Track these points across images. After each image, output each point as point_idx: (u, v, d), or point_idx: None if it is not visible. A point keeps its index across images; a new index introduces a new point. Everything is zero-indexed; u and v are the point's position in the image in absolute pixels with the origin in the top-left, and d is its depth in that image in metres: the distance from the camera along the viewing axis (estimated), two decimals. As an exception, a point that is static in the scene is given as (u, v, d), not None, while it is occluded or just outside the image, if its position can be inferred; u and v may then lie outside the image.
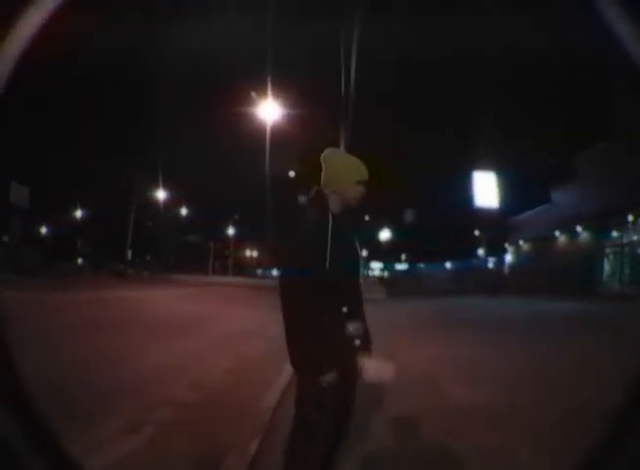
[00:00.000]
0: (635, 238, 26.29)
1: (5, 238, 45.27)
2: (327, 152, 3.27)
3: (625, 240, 27.22)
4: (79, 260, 60.23)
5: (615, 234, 27.98)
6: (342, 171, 3.20)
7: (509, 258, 41.03)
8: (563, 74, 28.42)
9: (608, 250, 28.63)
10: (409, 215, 46.80)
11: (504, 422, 5.24)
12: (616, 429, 1.46)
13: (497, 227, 42.63)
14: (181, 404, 5.58)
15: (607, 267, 28.72)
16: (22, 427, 1.42)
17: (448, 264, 47.33)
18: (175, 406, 5.48)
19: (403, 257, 67.77)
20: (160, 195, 63.74)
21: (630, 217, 25.50)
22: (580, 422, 4.98)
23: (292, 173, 33.09)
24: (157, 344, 9.50)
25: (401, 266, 58.72)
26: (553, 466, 4.11)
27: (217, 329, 12.33)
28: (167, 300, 22.50)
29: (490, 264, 46.07)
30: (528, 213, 37.66)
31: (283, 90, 28.18)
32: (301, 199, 3.19)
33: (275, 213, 34.19)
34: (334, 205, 3.14)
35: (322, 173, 3.23)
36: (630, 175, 23.57)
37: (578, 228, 30.03)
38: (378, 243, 61.59)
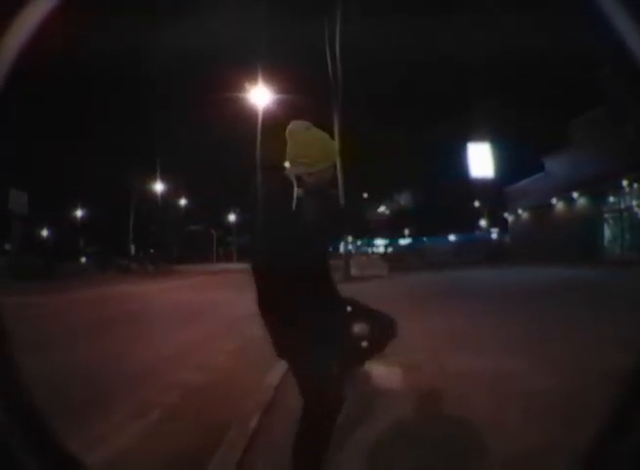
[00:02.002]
0: (634, 203, 26.30)
1: (7, 246, 45.39)
2: (296, 127, 3.04)
3: (623, 205, 27.25)
4: (83, 260, 60.33)
5: (612, 199, 28.00)
6: (318, 153, 2.97)
7: (509, 227, 41.03)
8: (553, 45, 28.38)
9: (607, 215, 28.61)
10: (405, 198, 46.68)
11: (501, 389, 5.32)
12: (615, 420, 1.44)
13: (495, 197, 42.73)
14: (188, 386, 5.85)
15: (607, 233, 28.70)
16: (21, 426, 1.41)
17: (451, 237, 47.33)
18: (183, 388, 5.76)
19: (406, 231, 67.76)
20: (159, 187, 63.92)
21: (625, 182, 25.52)
22: (575, 391, 5.08)
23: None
24: (164, 332, 9.85)
25: (404, 241, 58.66)
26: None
27: (222, 314, 12.57)
28: (171, 291, 22.70)
29: (493, 235, 46.10)
30: (524, 182, 37.63)
31: (276, 76, 28.26)
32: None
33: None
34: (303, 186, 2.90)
35: (289, 150, 3.02)
36: (623, 140, 23.71)
37: (575, 195, 30.00)
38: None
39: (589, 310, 10.24)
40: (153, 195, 64.50)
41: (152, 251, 69.94)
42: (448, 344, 7.85)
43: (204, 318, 12.05)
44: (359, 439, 3.99)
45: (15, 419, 1.37)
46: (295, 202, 2.77)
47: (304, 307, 2.79)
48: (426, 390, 5.36)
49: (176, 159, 64.91)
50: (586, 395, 4.97)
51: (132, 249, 60.63)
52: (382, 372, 4.51)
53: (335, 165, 3.16)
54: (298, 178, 2.87)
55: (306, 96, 27.15)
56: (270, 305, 2.92)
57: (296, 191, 2.80)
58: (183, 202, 78.02)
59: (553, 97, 35.78)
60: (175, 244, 78.32)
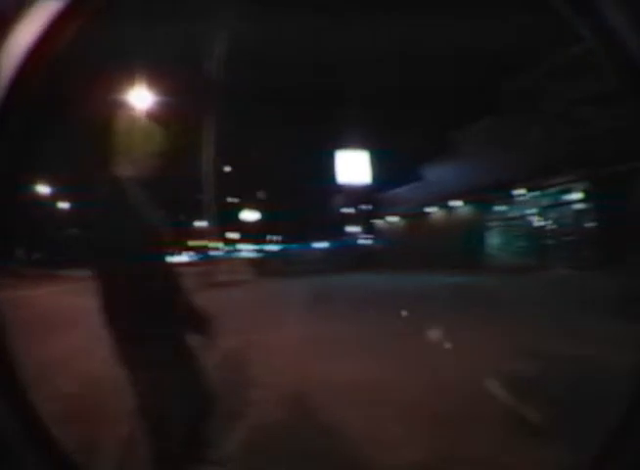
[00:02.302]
0: (526, 212, 26.98)
1: None
2: (121, 119, 2.94)
3: (512, 214, 28.01)
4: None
5: (501, 208, 28.67)
6: (141, 145, 2.89)
7: (383, 234, 41.49)
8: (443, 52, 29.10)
9: (493, 223, 29.31)
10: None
11: (367, 397, 5.44)
12: (616, 430, 1.39)
13: (369, 204, 43.53)
14: (68, 396, 5.72)
15: (493, 241, 29.36)
16: (17, 421, 1.37)
17: (321, 244, 47.77)
18: (62, 399, 5.56)
19: (275, 237, 67.87)
20: (43, 190, 61.67)
21: (516, 191, 26.20)
22: (443, 400, 5.27)
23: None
24: (44, 341, 9.28)
25: (272, 247, 58.77)
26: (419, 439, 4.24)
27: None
28: (54, 295, 21.73)
29: (366, 241, 46.64)
30: (401, 189, 37.98)
31: (156, 78, 27.61)
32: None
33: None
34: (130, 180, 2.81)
35: (113, 144, 2.89)
36: (514, 150, 24.44)
37: (456, 202, 30.75)
38: (244, 224, 61.41)
39: (456, 317, 10.41)
40: (37, 197, 61.87)
41: (38, 255, 66.82)
42: (312, 351, 7.93)
43: (85, 325, 11.66)
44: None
45: (14, 417, 1.35)
46: (120, 200, 2.72)
47: (128, 314, 2.71)
48: (290, 399, 5.42)
49: (59, 160, 62.43)
50: (464, 403, 5.10)
51: (18, 252, 57.72)
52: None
53: (162, 155, 3.02)
54: (122, 175, 2.82)
55: (185, 97, 26.76)
56: (108, 311, 2.85)
57: (120, 189, 2.75)
58: (64, 205, 75.13)
59: (441, 105, 36.55)
60: (59, 248, 75.23)
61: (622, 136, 17.59)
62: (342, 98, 43.96)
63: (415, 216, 35.18)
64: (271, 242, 64.65)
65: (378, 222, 42.15)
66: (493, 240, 29.43)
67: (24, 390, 1.43)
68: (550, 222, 26.04)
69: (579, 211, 23.64)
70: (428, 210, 33.71)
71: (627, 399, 1.36)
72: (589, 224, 22.51)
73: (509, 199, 27.39)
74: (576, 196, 23.68)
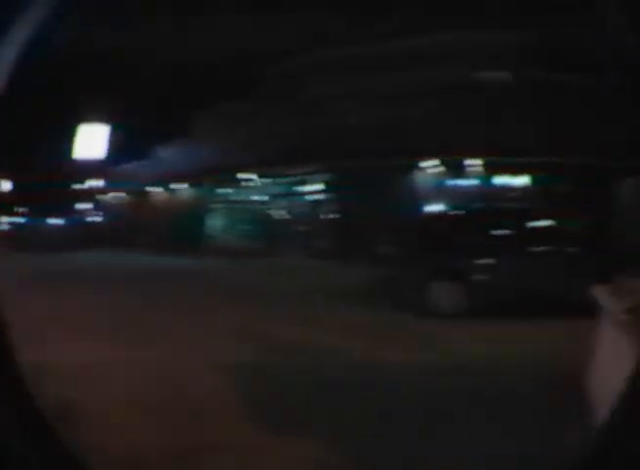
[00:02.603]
0: (255, 197, 27.48)
1: None
2: None
3: (239, 198, 28.40)
4: None
5: (226, 191, 28.98)
6: None
7: (111, 211, 40.83)
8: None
9: (219, 206, 29.49)
10: None
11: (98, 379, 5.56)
12: (613, 427, 1.44)
13: (100, 180, 42.86)
14: None
15: (216, 224, 29.31)
16: (17, 420, 1.42)
17: (57, 220, 46.31)
18: None
19: (22, 210, 64.43)
20: None
21: (244, 176, 26.47)
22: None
23: None
24: None
25: (19, 220, 56.02)
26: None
27: None
28: None
29: (94, 218, 45.62)
30: (131, 166, 37.02)
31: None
32: None
33: None
34: None
35: None
36: (254, 136, 24.46)
37: (181, 184, 30.79)
38: None
39: (179, 300, 10.84)
40: None
41: None
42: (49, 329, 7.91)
43: None
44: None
45: (14, 417, 1.42)
46: None
47: None
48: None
49: None
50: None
51: None
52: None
53: None
54: None
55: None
56: None
57: None
58: None
59: (185, 85, 36.31)
60: None
61: (369, 134, 18.56)
62: (85, 72, 42.80)
63: (139, 194, 35.08)
64: (17, 215, 61.69)
65: (106, 199, 41.73)
66: (216, 223, 29.42)
67: (24, 389, 1.50)
68: (283, 210, 26.30)
69: (316, 202, 24.12)
70: (152, 189, 33.62)
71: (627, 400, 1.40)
72: (326, 215, 23.02)
73: (235, 183, 27.55)
74: (314, 186, 24.14)
